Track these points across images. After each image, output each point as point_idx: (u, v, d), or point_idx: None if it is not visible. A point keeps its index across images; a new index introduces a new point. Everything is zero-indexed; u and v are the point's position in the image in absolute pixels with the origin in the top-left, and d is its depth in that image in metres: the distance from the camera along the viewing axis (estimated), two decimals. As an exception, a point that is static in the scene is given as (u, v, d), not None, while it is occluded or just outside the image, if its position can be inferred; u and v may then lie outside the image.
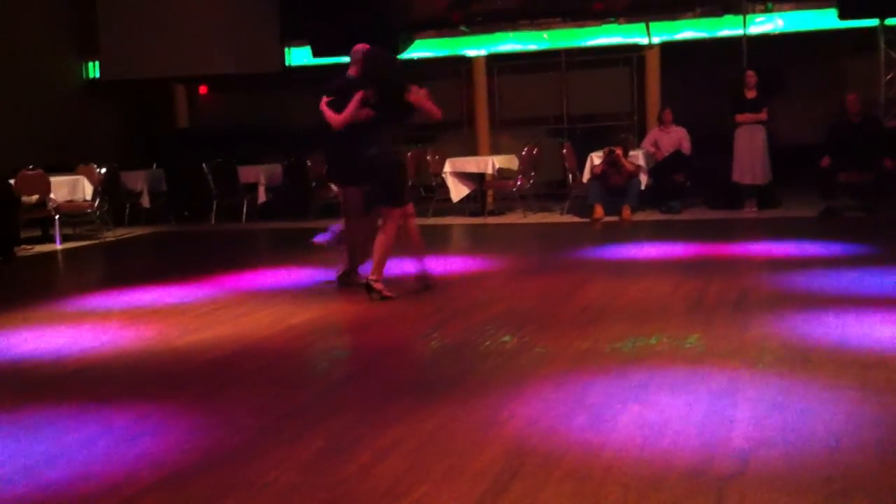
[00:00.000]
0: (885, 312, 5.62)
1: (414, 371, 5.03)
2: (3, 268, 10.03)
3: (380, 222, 6.94)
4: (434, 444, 3.65)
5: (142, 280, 8.39)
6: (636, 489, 3.11)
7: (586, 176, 12.09)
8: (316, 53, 14.07)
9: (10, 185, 10.79)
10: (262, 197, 13.47)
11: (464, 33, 14.72)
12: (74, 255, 11.00)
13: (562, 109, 15.25)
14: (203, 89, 17.55)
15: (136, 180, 13.68)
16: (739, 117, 11.58)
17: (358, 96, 6.72)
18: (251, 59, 14.31)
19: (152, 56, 14.03)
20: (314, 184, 12.85)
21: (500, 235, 11.35)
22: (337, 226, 7.51)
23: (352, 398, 4.47)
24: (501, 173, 12.86)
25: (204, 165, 13.26)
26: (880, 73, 12.55)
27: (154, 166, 14.41)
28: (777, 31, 13.58)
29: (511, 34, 14.74)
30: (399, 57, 10.41)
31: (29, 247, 11.31)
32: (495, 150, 14.74)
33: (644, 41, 14.21)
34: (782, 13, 13.51)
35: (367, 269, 6.90)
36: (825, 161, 10.96)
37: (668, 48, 14.15)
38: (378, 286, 6.67)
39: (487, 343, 5.31)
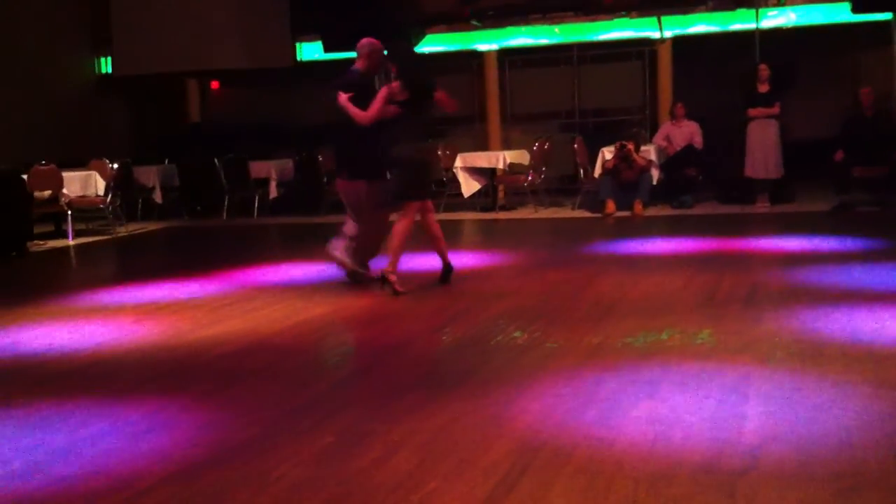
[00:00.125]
0: (898, 307, 5.58)
1: (424, 366, 5.02)
2: (16, 263, 10.08)
3: (392, 217, 6.92)
4: (445, 438, 3.65)
5: (153, 275, 8.42)
6: (647, 484, 3.10)
7: (598, 171, 12.08)
8: (327, 48, 14.08)
9: (22, 180, 10.83)
10: (273, 192, 13.50)
11: (475, 27, 14.70)
12: (87, 251, 11.03)
13: (573, 104, 15.24)
14: (215, 84, 17.59)
15: (149, 175, 13.72)
16: (752, 111, 11.52)
17: (383, 92, 6.70)
18: (262, 54, 14.33)
19: (164, 51, 14.06)
20: (326, 179, 12.86)
21: (512, 230, 11.33)
22: (343, 238, 7.28)
23: (362, 393, 4.48)
24: (513, 168, 12.84)
25: (216, 160, 13.29)
26: (894, 67, 12.48)
27: (166, 161, 14.45)
28: (790, 25, 13.53)
29: (522, 28, 14.72)
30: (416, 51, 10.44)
31: (41, 242, 11.37)
32: (506, 144, 14.74)
33: (656, 35, 14.17)
34: (795, 7, 13.46)
35: (377, 265, 6.88)
36: (839, 155, 10.91)
37: (680, 42, 14.11)
38: (392, 278, 6.67)
39: (498, 338, 5.31)
